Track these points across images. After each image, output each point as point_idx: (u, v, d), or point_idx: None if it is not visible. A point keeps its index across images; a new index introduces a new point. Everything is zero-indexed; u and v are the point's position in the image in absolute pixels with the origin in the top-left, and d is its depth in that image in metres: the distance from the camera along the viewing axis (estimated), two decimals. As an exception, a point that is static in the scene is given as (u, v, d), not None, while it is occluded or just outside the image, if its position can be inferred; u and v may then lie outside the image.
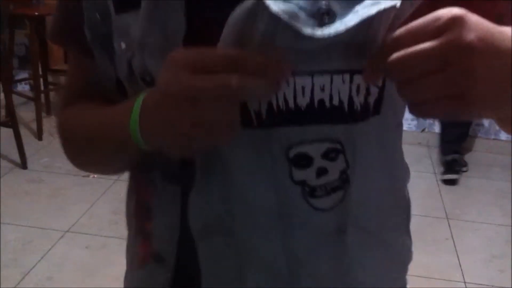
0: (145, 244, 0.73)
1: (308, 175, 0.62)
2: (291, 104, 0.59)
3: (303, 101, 0.59)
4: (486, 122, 3.58)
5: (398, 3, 0.50)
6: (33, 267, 2.36)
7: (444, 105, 0.49)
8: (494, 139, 3.64)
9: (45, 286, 2.26)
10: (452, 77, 0.47)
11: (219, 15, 0.56)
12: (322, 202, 0.64)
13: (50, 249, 2.48)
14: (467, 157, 3.49)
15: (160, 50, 0.60)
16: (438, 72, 0.47)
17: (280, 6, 0.50)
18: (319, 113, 0.60)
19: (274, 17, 0.50)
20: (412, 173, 0.75)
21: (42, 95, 3.76)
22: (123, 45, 0.64)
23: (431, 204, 2.99)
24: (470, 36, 0.47)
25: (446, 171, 3.29)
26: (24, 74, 4.05)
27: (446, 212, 2.93)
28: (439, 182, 3.25)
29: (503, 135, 3.62)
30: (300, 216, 0.64)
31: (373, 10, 0.50)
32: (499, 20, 0.52)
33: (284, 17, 0.50)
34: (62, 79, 4.02)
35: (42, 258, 2.42)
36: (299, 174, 0.62)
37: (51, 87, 3.99)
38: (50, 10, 3.67)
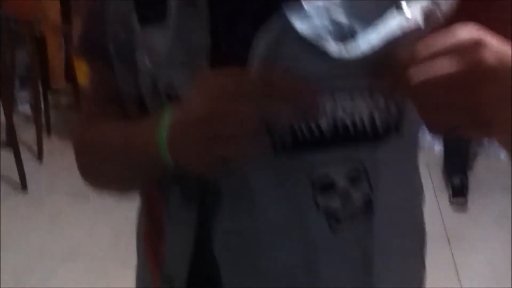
0: (156, 267, 0.73)
1: (331, 198, 0.62)
2: (314, 126, 0.59)
3: (325, 123, 0.59)
4: (485, 141, 3.57)
5: (422, 24, 0.50)
6: (33, 291, 2.35)
7: (464, 124, 0.49)
8: (494, 158, 3.63)
9: (45, 311, 2.25)
10: (473, 97, 0.47)
11: (243, 31, 0.57)
12: (345, 227, 0.64)
13: (50, 273, 2.46)
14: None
15: (185, 66, 0.61)
16: (460, 95, 0.47)
17: (306, 27, 0.49)
18: (341, 134, 0.60)
19: (299, 39, 0.49)
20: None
21: (43, 115, 3.75)
22: (147, 60, 0.65)
23: (432, 226, 2.97)
24: (492, 59, 0.47)
25: (455, 195, 3.19)
26: (24, 94, 4.05)
27: (447, 234, 2.92)
28: (440, 203, 3.23)
29: (503, 154, 3.61)
30: (322, 241, 0.64)
31: (397, 29, 0.50)
32: None
33: (313, 38, 0.49)
34: (63, 99, 4.02)
35: (42, 282, 2.40)
36: (322, 198, 0.62)
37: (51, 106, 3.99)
38: (51, 30, 3.68)
